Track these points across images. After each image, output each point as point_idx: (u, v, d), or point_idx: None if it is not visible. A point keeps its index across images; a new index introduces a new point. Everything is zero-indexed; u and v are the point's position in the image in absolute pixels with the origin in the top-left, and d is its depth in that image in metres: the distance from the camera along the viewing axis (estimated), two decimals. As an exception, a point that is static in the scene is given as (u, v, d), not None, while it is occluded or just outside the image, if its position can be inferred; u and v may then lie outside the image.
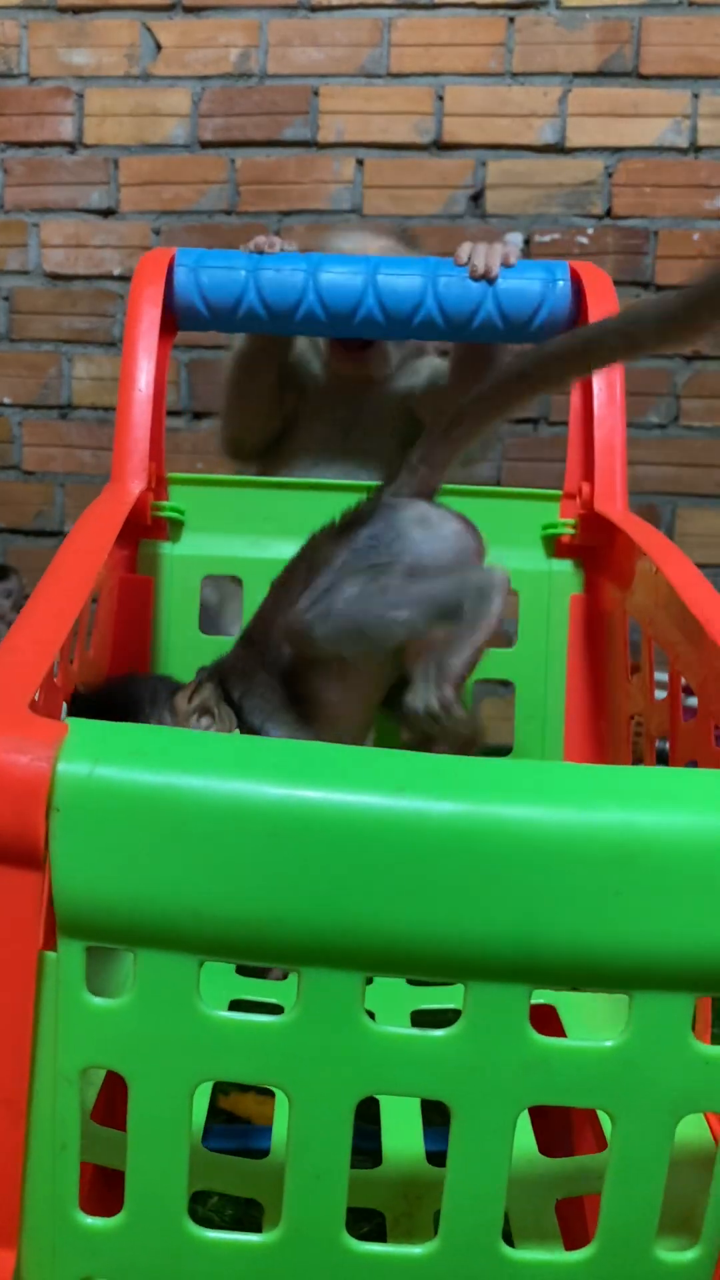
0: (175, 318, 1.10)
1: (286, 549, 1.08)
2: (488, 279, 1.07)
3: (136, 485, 0.97)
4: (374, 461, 1.34)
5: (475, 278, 1.07)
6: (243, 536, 1.07)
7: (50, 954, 0.48)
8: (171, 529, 1.06)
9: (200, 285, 1.07)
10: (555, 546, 1.06)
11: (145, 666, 1.05)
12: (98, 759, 0.46)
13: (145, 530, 1.04)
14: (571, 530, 1.04)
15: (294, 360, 1.39)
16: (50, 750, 0.46)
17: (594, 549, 1.03)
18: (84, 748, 0.46)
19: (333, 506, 1.10)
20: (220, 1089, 1.01)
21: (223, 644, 1.07)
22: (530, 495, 1.07)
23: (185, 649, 1.06)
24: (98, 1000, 0.48)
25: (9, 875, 0.47)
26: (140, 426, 0.99)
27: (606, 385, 1.04)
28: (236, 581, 1.08)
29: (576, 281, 1.07)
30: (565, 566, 1.05)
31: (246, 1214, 0.91)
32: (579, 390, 1.08)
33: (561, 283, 1.07)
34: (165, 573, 1.06)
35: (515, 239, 2.02)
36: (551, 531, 1.05)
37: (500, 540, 1.06)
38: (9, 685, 0.54)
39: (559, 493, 1.07)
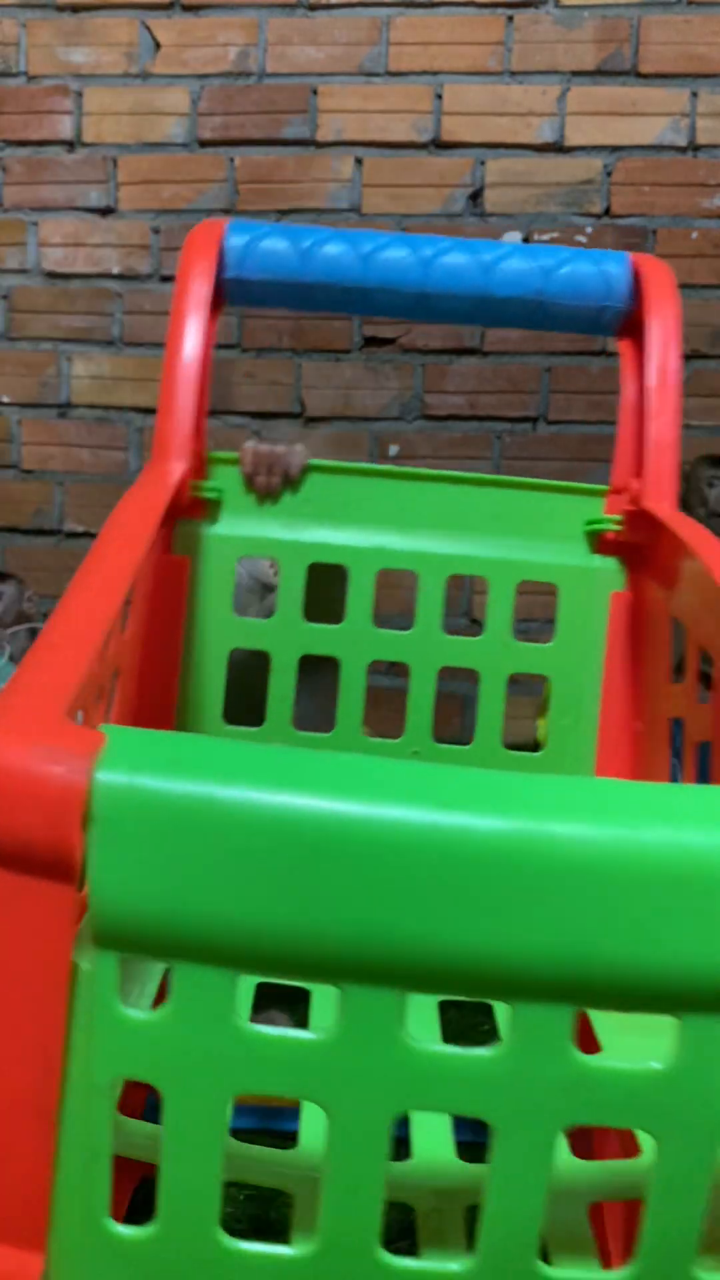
0: (223, 292, 1.06)
1: (323, 532, 1.06)
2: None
3: (178, 466, 0.95)
4: None
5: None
6: (279, 519, 1.05)
7: (85, 965, 0.47)
8: (209, 508, 1.04)
9: (258, 258, 1.03)
10: (599, 543, 1.04)
11: (179, 646, 1.03)
12: (136, 769, 0.45)
13: (182, 509, 1.02)
14: (617, 527, 1.02)
15: None
16: (87, 761, 0.45)
17: (639, 546, 1.01)
18: (122, 757, 0.45)
19: (369, 492, 1.08)
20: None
21: (253, 626, 1.06)
22: (575, 490, 1.05)
23: (219, 629, 1.04)
24: (132, 1012, 0.47)
25: (44, 887, 0.46)
26: (185, 404, 0.97)
27: (661, 378, 1.01)
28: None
29: (636, 273, 1.05)
30: (608, 563, 1.03)
31: (246, 1209, 0.90)
32: (632, 383, 1.05)
33: (617, 271, 1.05)
34: (202, 552, 1.04)
35: (513, 236, 2.01)
36: (595, 527, 1.03)
37: (542, 535, 1.05)
38: (45, 690, 0.53)
39: (604, 488, 1.05)
